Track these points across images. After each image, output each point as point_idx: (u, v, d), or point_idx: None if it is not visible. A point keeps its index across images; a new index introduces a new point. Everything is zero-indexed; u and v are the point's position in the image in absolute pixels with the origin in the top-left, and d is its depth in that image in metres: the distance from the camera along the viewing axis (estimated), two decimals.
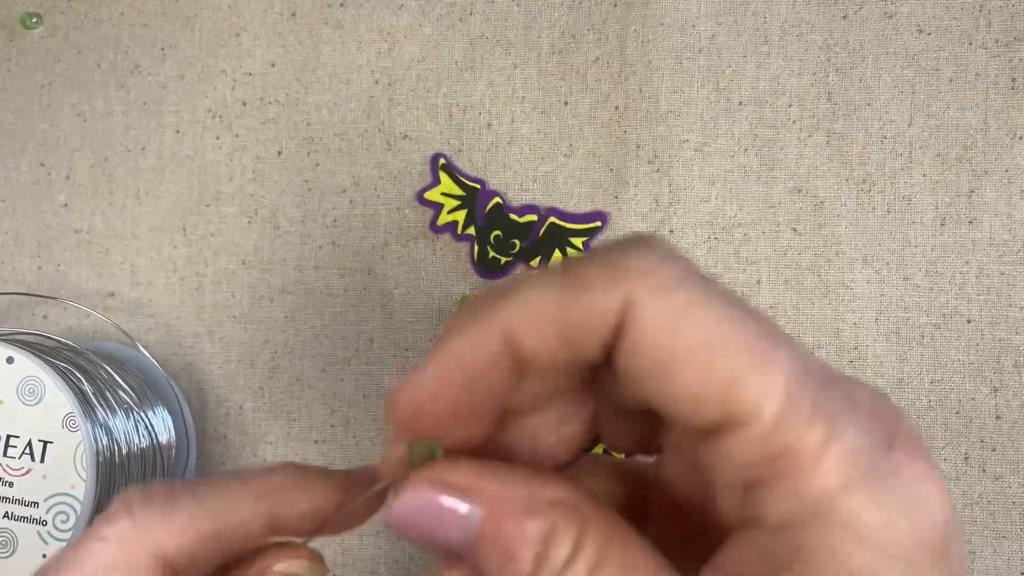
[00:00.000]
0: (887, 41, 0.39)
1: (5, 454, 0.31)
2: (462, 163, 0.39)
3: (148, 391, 0.35)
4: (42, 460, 0.31)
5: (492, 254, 0.38)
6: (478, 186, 0.38)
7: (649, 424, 0.19)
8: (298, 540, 0.20)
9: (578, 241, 0.38)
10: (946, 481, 0.38)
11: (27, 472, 0.31)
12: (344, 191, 0.39)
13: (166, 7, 0.39)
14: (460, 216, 0.38)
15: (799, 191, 0.38)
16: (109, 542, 0.18)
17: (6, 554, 0.31)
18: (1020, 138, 0.39)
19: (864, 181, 0.38)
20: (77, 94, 0.39)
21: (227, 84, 0.39)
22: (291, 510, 0.19)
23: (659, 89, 0.39)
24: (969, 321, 0.38)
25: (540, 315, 0.16)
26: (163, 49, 0.39)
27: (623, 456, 0.21)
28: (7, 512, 0.31)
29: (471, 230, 0.38)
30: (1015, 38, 0.39)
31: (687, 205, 0.38)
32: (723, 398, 0.15)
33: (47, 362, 0.32)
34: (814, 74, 0.39)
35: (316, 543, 0.21)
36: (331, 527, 0.20)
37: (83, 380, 0.32)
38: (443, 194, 0.38)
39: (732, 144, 0.39)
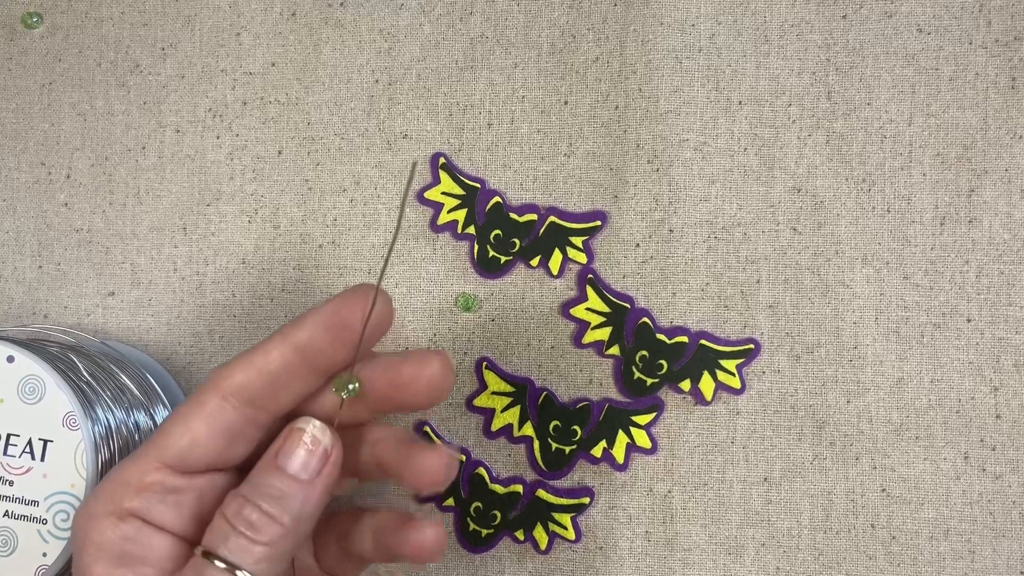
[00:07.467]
0: (887, 41, 0.39)
1: (5, 453, 0.31)
2: (462, 162, 0.39)
3: (149, 390, 0.35)
4: (42, 459, 0.31)
5: (492, 253, 0.38)
6: (478, 185, 0.38)
7: None
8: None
9: (578, 240, 0.38)
10: (946, 480, 0.38)
11: (27, 471, 0.31)
12: (344, 190, 0.39)
13: (166, 7, 0.39)
14: (460, 215, 0.38)
15: (799, 190, 0.38)
16: (198, 394, 0.27)
17: (6, 553, 0.31)
18: (1020, 138, 0.39)
19: (864, 180, 0.39)
20: (78, 93, 0.39)
21: (227, 84, 0.39)
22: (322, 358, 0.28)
23: (659, 88, 0.39)
24: (969, 320, 0.38)
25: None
26: (163, 49, 0.39)
27: None
28: (7, 511, 0.31)
29: (471, 229, 0.38)
30: (1015, 38, 0.39)
31: (687, 204, 0.38)
32: None
33: (47, 361, 0.32)
34: (814, 73, 0.39)
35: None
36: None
37: (83, 379, 0.32)
38: (443, 193, 0.38)
39: (732, 143, 0.39)
